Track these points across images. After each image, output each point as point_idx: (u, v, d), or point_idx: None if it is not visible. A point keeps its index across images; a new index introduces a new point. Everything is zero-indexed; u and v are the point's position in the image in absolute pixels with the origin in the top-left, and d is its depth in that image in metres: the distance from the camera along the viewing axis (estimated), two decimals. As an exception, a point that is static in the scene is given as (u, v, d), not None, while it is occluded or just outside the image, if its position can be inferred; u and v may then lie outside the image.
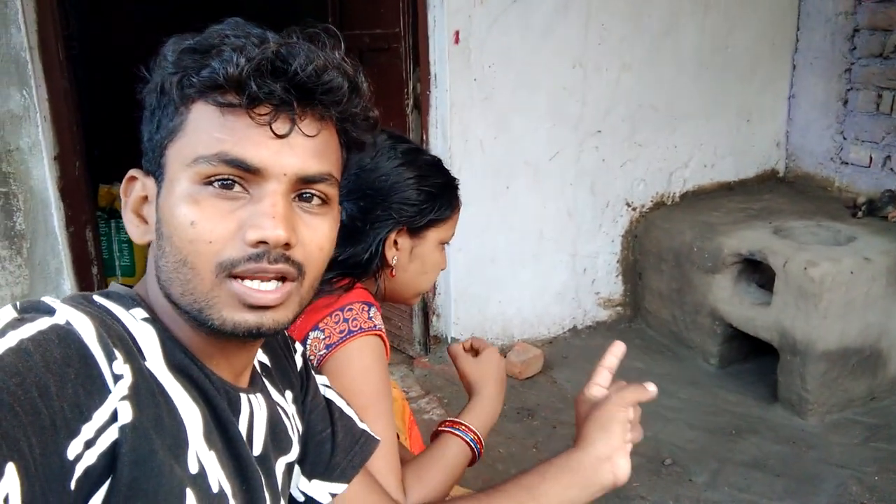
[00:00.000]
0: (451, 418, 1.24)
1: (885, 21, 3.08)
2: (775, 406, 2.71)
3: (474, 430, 1.22)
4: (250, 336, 0.69)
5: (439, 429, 1.23)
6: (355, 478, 0.93)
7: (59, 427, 0.54)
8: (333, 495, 0.91)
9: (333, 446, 0.92)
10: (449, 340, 3.17)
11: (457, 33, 2.82)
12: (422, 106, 2.98)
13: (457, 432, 1.20)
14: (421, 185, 1.20)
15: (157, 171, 0.70)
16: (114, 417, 0.58)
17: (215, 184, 0.66)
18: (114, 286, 0.73)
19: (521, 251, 3.20)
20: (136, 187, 0.73)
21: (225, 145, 0.65)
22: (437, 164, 1.27)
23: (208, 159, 0.65)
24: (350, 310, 1.12)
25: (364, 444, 0.95)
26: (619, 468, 0.94)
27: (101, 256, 2.77)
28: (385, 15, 2.96)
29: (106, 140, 4.37)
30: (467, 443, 1.20)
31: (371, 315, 1.13)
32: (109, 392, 0.58)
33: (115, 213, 4.28)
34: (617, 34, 3.12)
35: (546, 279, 3.28)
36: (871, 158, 3.23)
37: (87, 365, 0.57)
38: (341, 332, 1.10)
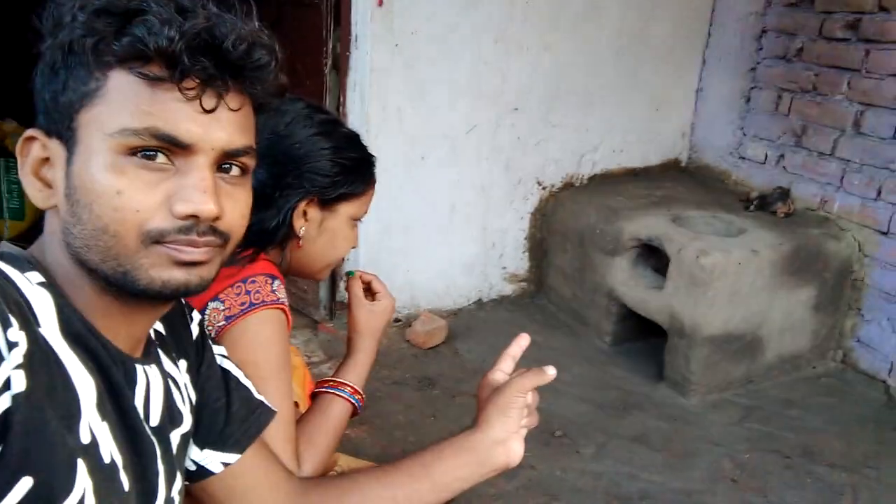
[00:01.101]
0: (331, 377, 1.27)
1: (791, 25, 3.24)
2: (661, 385, 2.87)
3: (354, 386, 1.26)
4: (176, 295, 0.71)
5: (319, 389, 1.25)
6: (249, 448, 0.93)
7: None
8: (226, 465, 0.91)
9: (228, 416, 0.91)
10: (354, 306, 3.16)
11: (381, -4, 2.77)
12: (340, 67, 2.93)
13: (339, 392, 1.24)
14: (335, 157, 1.18)
15: (65, 135, 0.67)
16: (6, 386, 0.56)
17: (139, 154, 0.66)
18: (5, 245, 0.71)
19: (433, 222, 3.22)
20: (34, 148, 0.70)
21: (155, 120, 0.65)
22: (354, 137, 1.25)
23: (137, 132, 0.65)
24: (253, 282, 1.10)
25: (260, 415, 0.95)
26: (513, 451, 0.98)
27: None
28: (309, -30, 2.87)
29: (-2, 74, 4.08)
30: (348, 400, 1.24)
31: (274, 288, 1.12)
32: (3, 360, 0.57)
33: (4, 152, 4.02)
34: (541, 13, 3.15)
35: (455, 251, 3.33)
36: (766, 155, 3.42)
37: None
38: (242, 304, 1.08)
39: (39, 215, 0.76)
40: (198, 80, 0.66)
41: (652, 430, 2.59)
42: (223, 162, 0.71)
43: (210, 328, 1.08)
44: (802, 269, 2.86)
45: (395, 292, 3.28)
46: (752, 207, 3.20)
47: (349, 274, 1.35)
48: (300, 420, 1.21)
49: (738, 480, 2.35)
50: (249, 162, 0.74)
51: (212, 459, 0.90)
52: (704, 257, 2.66)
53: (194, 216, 0.67)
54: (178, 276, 0.69)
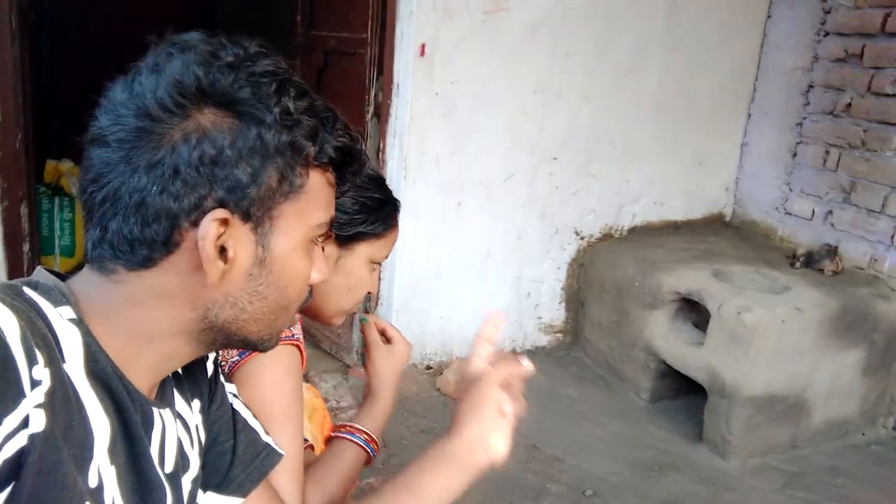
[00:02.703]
0: (348, 423, 1.26)
1: (838, 80, 3.18)
2: (699, 446, 2.75)
3: (369, 433, 1.24)
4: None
5: (335, 434, 1.23)
6: (254, 491, 0.91)
7: None
8: None
9: (233, 458, 0.89)
10: (386, 352, 3.14)
11: (423, 46, 2.82)
12: (381, 114, 2.97)
13: (353, 438, 1.22)
14: (357, 195, 1.18)
15: (258, 218, 0.71)
16: (24, 424, 0.56)
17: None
18: (41, 273, 0.71)
19: (467, 269, 3.20)
20: (225, 230, 0.69)
21: (330, 213, 0.78)
22: (378, 180, 1.25)
23: (324, 226, 0.77)
24: None
25: (265, 458, 0.93)
26: (492, 448, 0.94)
27: (36, 234, 2.69)
28: (354, 20, 2.95)
29: (59, 115, 4.27)
30: (362, 447, 1.22)
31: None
32: (24, 397, 0.56)
33: (59, 190, 4.16)
34: (581, 65, 3.16)
35: (489, 299, 3.29)
36: (813, 211, 3.32)
37: (4, 367, 0.56)
38: None
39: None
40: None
41: (689, 494, 2.48)
42: None
43: (223, 364, 1.07)
44: (850, 329, 2.74)
45: (427, 338, 3.28)
46: (797, 264, 3.10)
47: (362, 320, 1.35)
48: (314, 462, 1.19)
49: (779, 552, 2.22)
50: None
51: (214, 502, 0.88)
52: (746, 314, 2.57)
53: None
54: None
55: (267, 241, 0.71)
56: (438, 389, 3.01)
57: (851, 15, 3.11)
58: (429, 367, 3.18)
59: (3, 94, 2.35)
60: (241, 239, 0.70)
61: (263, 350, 0.79)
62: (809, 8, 3.29)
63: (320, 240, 0.78)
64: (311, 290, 0.83)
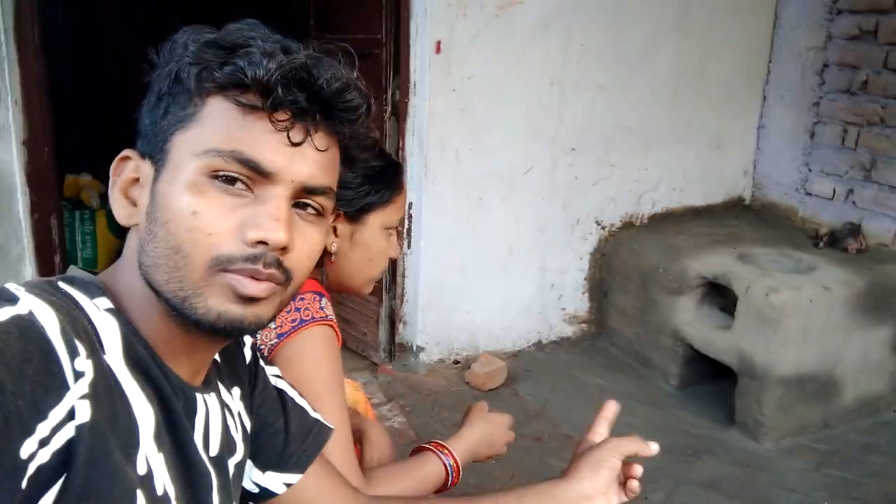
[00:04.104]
0: (439, 440, 1.27)
1: (853, 58, 3.17)
2: (732, 429, 2.76)
3: (456, 457, 1.25)
4: (228, 330, 0.69)
5: (424, 446, 1.25)
6: (310, 466, 0.93)
7: (14, 426, 0.53)
8: (288, 485, 0.91)
9: (287, 437, 0.92)
10: (414, 349, 3.17)
11: (438, 43, 2.84)
12: (400, 113, 2.99)
13: (439, 453, 1.23)
14: (356, 168, 1.17)
15: (157, 156, 0.70)
16: (70, 415, 0.57)
17: (220, 178, 0.67)
18: (74, 270, 0.72)
19: (491, 263, 3.21)
20: (127, 167, 0.72)
21: (242, 144, 0.67)
22: (375, 147, 1.24)
23: (222, 154, 0.67)
24: (302, 299, 1.12)
25: (318, 434, 0.96)
26: None
27: (65, 245, 2.72)
28: (367, 21, 2.97)
29: (76, 130, 4.31)
30: (445, 466, 1.22)
31: (322, 305, 1.13)
32: (68, 389, 0.57)
33: (80, 204, 4.22)
34: (595, 55, 3.17)
35: (514, 292, 3.31)
36: (834, 191, 3.32)
37: (47, 361, 0.56)
38: (293, 321, 1.09)
39: (112, 263, 0.77)
40: (289, 114, 0.68)
41: (724, 476, 2.48)
42: (301, 198, 0.72)
43: (262, 347, 1.09)
44: (878, 306, 2.74)
45: (454, 333, 3.30)
46: (821, 244, 3.10)
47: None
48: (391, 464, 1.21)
49: (818, 530, 2.23)
50: (327, 204, 0.74)
51: (274, 481, 0.91)
52: (774, 294, 2.58)
53: (263, 243, 0.67)
54: (235, 311, 0.68)
55: (159, 176, 0.69)
56: (468, 383, 3.03)
57: (864, -8, 3.10)
58: (456, 362, 3.20)
59: (30, 109, 2.39)
60: (144, 177, 0.71)
61: (191, 315, 0.68)
62: (821, -13, 3.29)
63: (221, 177, 0.67)
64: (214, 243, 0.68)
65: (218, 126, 0.67)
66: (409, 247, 3.09)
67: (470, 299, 3.21)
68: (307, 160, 0.70)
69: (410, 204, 3.02)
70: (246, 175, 0.68)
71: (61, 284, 0.66)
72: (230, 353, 0.89)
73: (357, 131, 0.75)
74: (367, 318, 3.20)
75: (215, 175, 0.67)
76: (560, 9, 3.03)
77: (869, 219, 3.15)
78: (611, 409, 1.08)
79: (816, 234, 3.18)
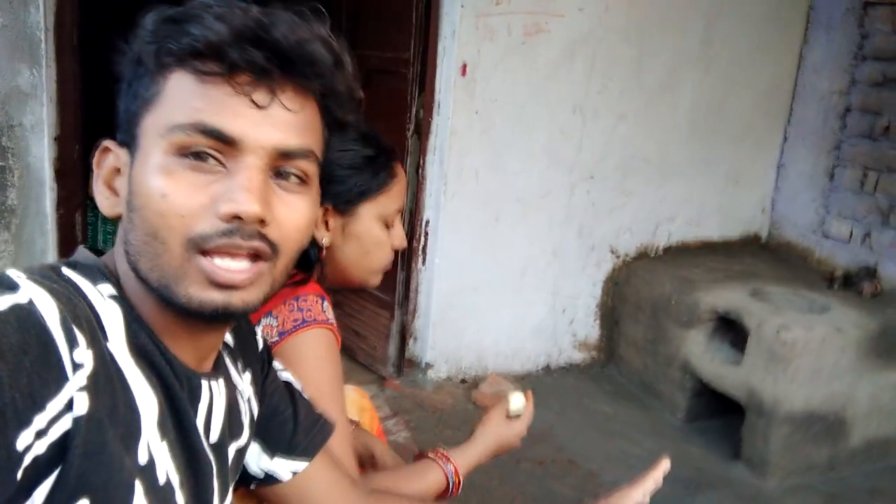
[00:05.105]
0: (441, 449, 1.28)
1: (876, 104, 3.19)
2: (737, 464, 2.74)
3: (458, 468, 1.26)
4: (216, 316, 0.67)
5: (427, 454, 1.26)
6: (316, 456, 0.95)
7: (10, 418, 0.52)
8: (294, 473, 0.93)
9: (295, 425, 0.93)
10: (423, 365, 3.18)
11: (464, 66, 2.89)
12: (422, 131, 3.04)
13: (440, 462, 1.24)
14: (342, 160, 1.15)
15: (130, 142, 0.68)
16: (68, 407, 0.56)
17: (190, 156, 0.64)
18: (81, 252, 0.71)
19: (504, 284, 3.23)
20: (108, 158, 0.71)
21: (202, 114, 0.63)
22: (366, 136, 1.19)
23: (184, 128, 0.63)
24: (304, 300, 1.12)
25: (324, 425, 0.97)
26: None
27: (87, 242, 2.77)
28: (396, 39, 3.02)
29: (102, 129, 4.40)
30: (446, 475, 1.24)
31: (324, 308, 1.13)
32: (67, 380, 0.56)
33: (103, 203, 4.27)
34: (617, 85, 3.20)
35: (525, 314, 3.32)
36: (851, 234, 3.32)
37: (45, 352, 0.55)
38: (295, 320, 1.10)
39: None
40: (251, 75, 0.64)
41: (726, 512, 2.47)
42: (280, 166, 0.68)
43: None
44: (891, 350, 2.72)
45: (462, 351, 3.31)
46: (836, 286, 3.09)
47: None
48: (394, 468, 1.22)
49: (820, 571, 2.20)
50: (309, 168, 0.70)
51: (282, 467, 0.92)
52: (786, 332, 2.57)
53: (237, 217, 0.63)
54: (217, 298, 0.65)
55: (133, 162, 0.67)
56: (474, 402, 3.03)
57: (889, 40, 3.13)
58: (464, 381, 3.20)
59: (64, 106, 2.45)
60: (123, 166, 0.69)
61: (176, 303, 0.65)
62: (847, 33, 3.31)
63: (191, 154, 0.64)
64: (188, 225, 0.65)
65: (179, 101, 0.64)
66: (423, 263, 3.11)
67: (481, 319, 3.22)
68: (277, 123, 0.66)
69: (427, 221, 3.06)
70: (214, 148, 0.64)
71: (64, 270, 0.65)
72: (245, 336, 0.89)
73: (332, 87, 0.70)
74: (378, 332, 3.21)
75: (184, 153, 0.64)
76: (585, 38, 3.08)
77: (885, 262, 3.14)
78: (661, 467, 1.13)
79: (831, 276, 3.18)
